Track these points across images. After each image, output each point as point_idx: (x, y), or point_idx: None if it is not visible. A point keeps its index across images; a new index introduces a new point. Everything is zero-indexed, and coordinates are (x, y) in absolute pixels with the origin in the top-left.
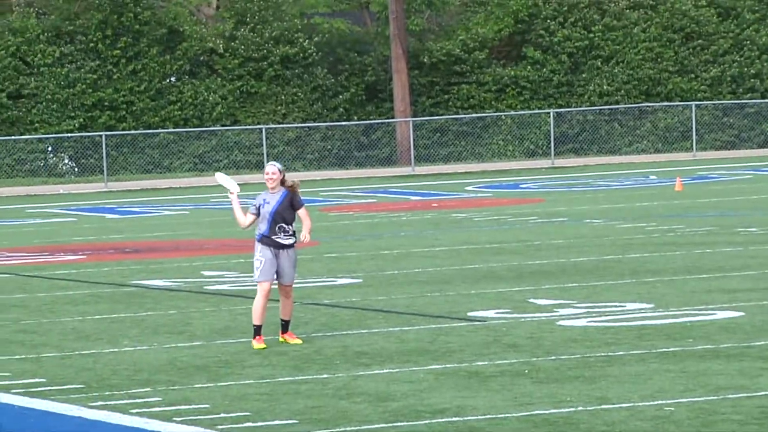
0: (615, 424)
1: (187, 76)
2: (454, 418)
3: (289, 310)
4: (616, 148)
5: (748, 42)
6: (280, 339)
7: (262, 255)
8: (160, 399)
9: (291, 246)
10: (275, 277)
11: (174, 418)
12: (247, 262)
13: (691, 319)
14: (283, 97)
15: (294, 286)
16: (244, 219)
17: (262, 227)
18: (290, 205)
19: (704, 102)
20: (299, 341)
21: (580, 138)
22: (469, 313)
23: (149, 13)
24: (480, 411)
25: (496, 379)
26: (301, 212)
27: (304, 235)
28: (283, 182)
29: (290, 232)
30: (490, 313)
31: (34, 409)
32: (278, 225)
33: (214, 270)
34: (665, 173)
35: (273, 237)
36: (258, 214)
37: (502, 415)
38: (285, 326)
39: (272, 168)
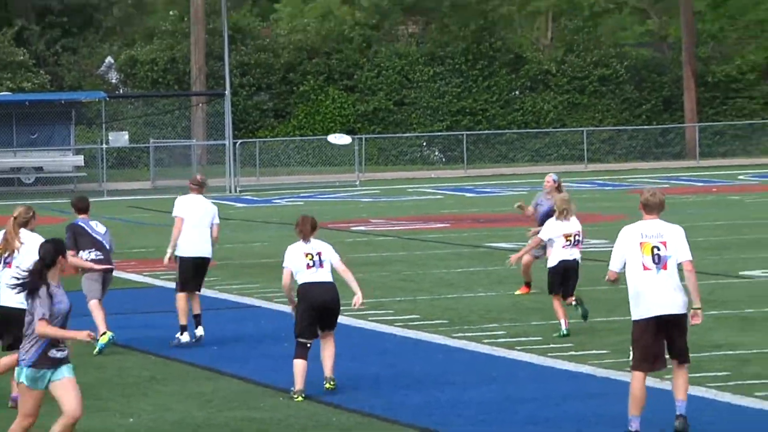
0: None
1: (527, 90)
2: (729, 352)
3: None
4: None
5: None
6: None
7: None
8: (504, 332)
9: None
10: None
11: (515, 347)
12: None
13: None
14: (599, 107)
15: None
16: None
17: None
18: None
19: None
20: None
21: None
22: (741, 272)
23: (500, 42)
24: (747, 347)
25: (762, 323)
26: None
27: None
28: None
29: None
30: (757, 272)
31: (410, 338)
32: None
33: None
34: None
35: None
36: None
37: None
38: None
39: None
